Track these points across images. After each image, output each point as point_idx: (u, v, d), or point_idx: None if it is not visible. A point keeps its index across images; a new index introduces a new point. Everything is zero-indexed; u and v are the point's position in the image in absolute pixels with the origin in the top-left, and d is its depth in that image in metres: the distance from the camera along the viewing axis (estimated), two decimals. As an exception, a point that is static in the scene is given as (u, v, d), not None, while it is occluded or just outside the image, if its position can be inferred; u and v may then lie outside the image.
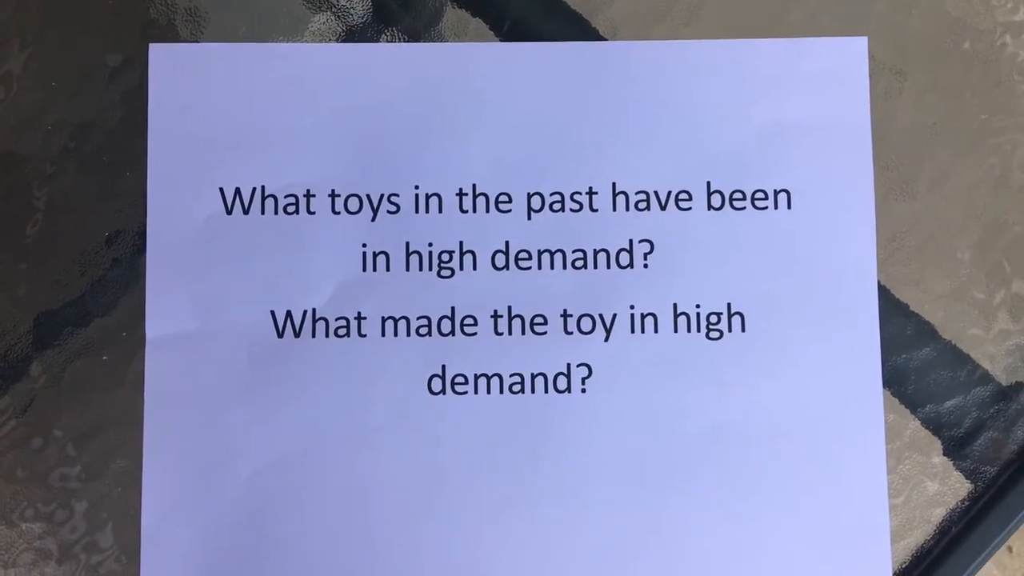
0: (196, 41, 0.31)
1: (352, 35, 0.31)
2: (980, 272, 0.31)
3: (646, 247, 0.30)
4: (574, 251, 0.30)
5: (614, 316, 0.30)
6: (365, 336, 0.30)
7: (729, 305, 0.30)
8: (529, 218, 0.30)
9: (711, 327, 0.30)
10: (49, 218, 0.30)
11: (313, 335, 0.30)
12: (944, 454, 0.31)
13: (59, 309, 0.30)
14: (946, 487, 0.30)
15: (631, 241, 0.30)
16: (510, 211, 0.30)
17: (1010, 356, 0.31)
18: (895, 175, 0.31)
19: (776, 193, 0.30)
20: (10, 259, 0.30)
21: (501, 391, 0.30)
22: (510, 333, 0.30)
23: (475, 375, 0.30)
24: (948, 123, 0.31)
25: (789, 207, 0.30)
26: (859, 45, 0.31)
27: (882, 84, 0.31)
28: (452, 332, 0.30)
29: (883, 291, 0.31)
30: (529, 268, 0.30)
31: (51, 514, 0.30)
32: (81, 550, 0.30)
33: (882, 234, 0.31)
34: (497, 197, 0.30)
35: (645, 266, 0.30)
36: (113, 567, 0.30)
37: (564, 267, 0.30)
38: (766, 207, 0.30)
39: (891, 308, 0.31)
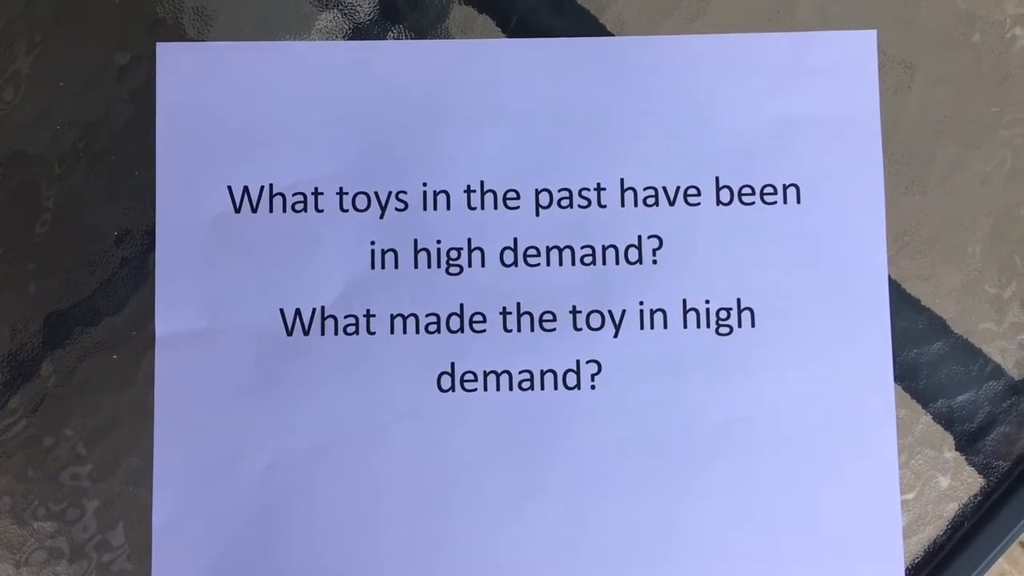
0: (203, 40, 0.31)
1: (359, 33, 0.31)
2: (991, 266, 0.31)
3: (655, 243, 0.30)
4: (583, 247, 0.30)
5: (623, 312, 0.30)
6: (374, 334, 0.30)
7: (739, 300, 0.30)
8: (537, 214, 0.30)
9: (721, 323, 0.30)
10: (58, 217, 0.30)
11: (322, 333, 0.30)
12: (956, 449, 0.30)
13: (69, 308, 0.30)
14: (958, 482, 0.30)
15: (640, 237, 0.30)
16: (518, 207, 0.30)
17: (1022, 350, 0.31)
18: (905, 169, 0.31)
19: (785, 188, 0.30)
20: (20, 259, 0.30)
21: (511, 388, 0.30)
22: (519, 330, 0.30)
23: (484, 372, 0.30)
24: (958, 116, 0.31)
25: (799, 202, 0.30)
26: (868, 38, 0.31)
27: (891, 77, 0.31)
28: (461, 329, 0.30)
29: (894, 285, 0.30)
30: (538, 264, 0.30)
31: (62, 513, 0.30)
32: (92, 548, 0.30)
33: (892, 228, 0.30)
34: (505, 194, 0.30)
35: (654, 262, 0.30)
36: (124, 565, 0.30)
37: (573, 263, 0.30)
38: (775, 202, 0.30)
39: (902, 303, 0.30)
